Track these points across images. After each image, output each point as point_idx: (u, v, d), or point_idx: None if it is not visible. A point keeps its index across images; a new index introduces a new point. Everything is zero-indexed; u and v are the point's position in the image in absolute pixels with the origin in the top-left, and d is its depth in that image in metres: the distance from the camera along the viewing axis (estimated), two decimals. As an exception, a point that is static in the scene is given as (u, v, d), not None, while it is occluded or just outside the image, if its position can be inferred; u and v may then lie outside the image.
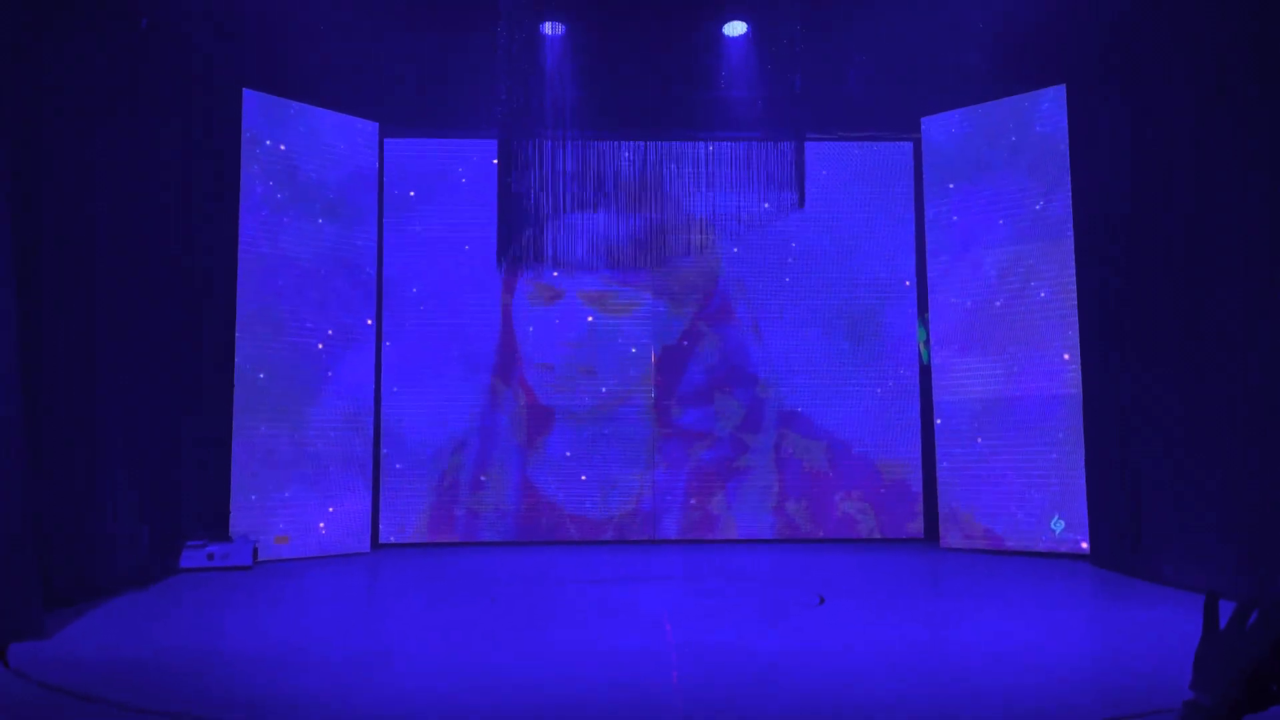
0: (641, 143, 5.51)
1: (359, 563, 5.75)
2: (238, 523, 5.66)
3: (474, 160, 6.61)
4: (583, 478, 6.11)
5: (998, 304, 6.00)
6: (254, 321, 5.84)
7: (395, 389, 6.47)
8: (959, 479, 6.09)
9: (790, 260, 6.42)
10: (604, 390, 6.26)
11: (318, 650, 3.35)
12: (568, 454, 6.19)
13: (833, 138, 6.60)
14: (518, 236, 5.20)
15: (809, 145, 5.63)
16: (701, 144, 5.65)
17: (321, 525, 5.99)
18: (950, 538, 6.10)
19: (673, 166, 5.45)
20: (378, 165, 6.47)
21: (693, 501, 6.35)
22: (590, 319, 6.23)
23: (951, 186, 6.24)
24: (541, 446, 6.29)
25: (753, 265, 6.37)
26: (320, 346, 6.07)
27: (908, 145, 6.70)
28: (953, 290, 6.21)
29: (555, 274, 6.10)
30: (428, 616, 3.96)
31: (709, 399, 6.31)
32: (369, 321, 6.31)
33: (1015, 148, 6.02)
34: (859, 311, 6.57)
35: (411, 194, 6.59)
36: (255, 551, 5.58)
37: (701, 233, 6.07)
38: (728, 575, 5.15)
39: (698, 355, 6.27)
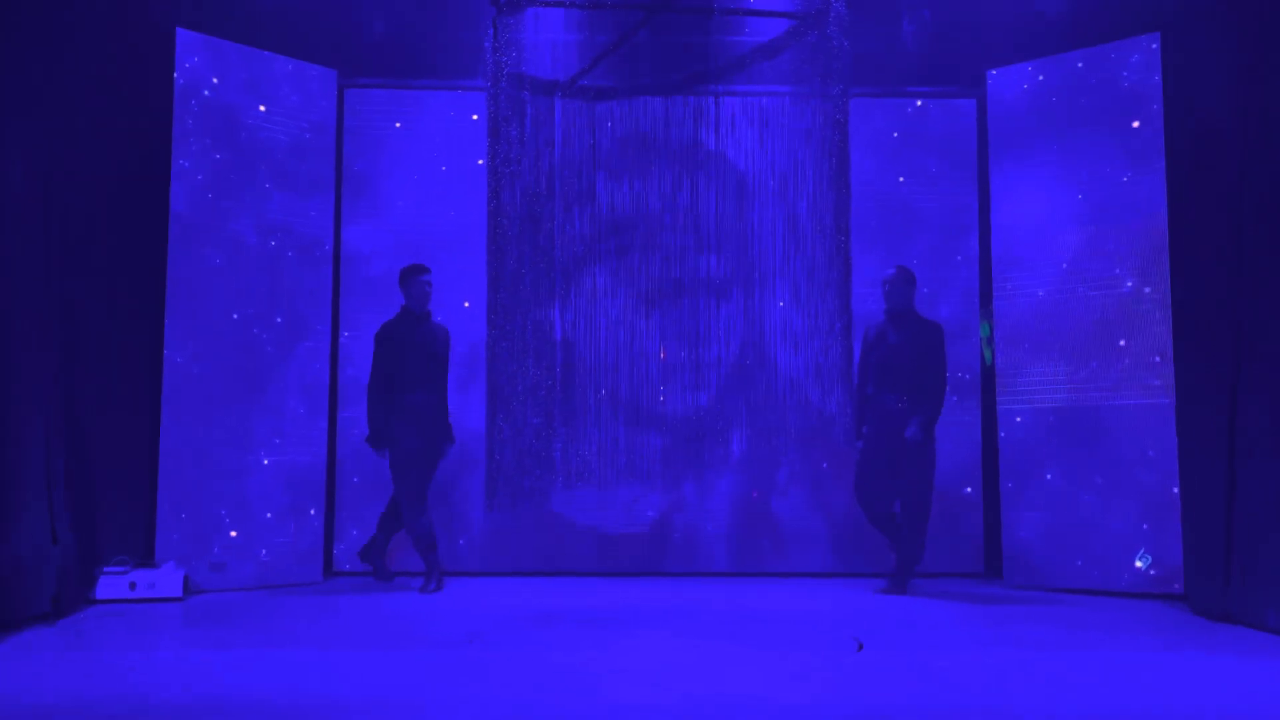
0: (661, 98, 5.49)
1: (309, 594, 5.74)
2: (165, 545, 5.66)
3: (454, 116, 6.61)
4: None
5: (1076, 294, 5.99)
6: (186, 306, 5.83)
7: (354, 388, 6.44)
8: (1026, 504, 6.07)
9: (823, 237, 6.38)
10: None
11: (260, 702, 3.35)
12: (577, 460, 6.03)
13: (880, 93, 6.60)
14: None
15: (854, 101, 5.56)
16: (736, 98, 5.61)
17: (265, 551, 6.01)
18: (1014, 573, 6.09)
19: (696, 126, 5.44)
20: (336, 121, 6.46)
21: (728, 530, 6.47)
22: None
23: (1021, 152, 6.22)
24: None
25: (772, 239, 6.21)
26: (266, 337, 6.07)
27: (969, 104, 6.70)
28: (1021, 277, 6.18)
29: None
30: (390, 664, 3.94)
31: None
32: (324, 307, 6.31)
33: (1098, 108, 6.00)
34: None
35: (377, 155, 6.57)
36: (186, 580, 5.58)
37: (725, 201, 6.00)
38: (756, 615, 5.17)
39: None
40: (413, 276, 5.88)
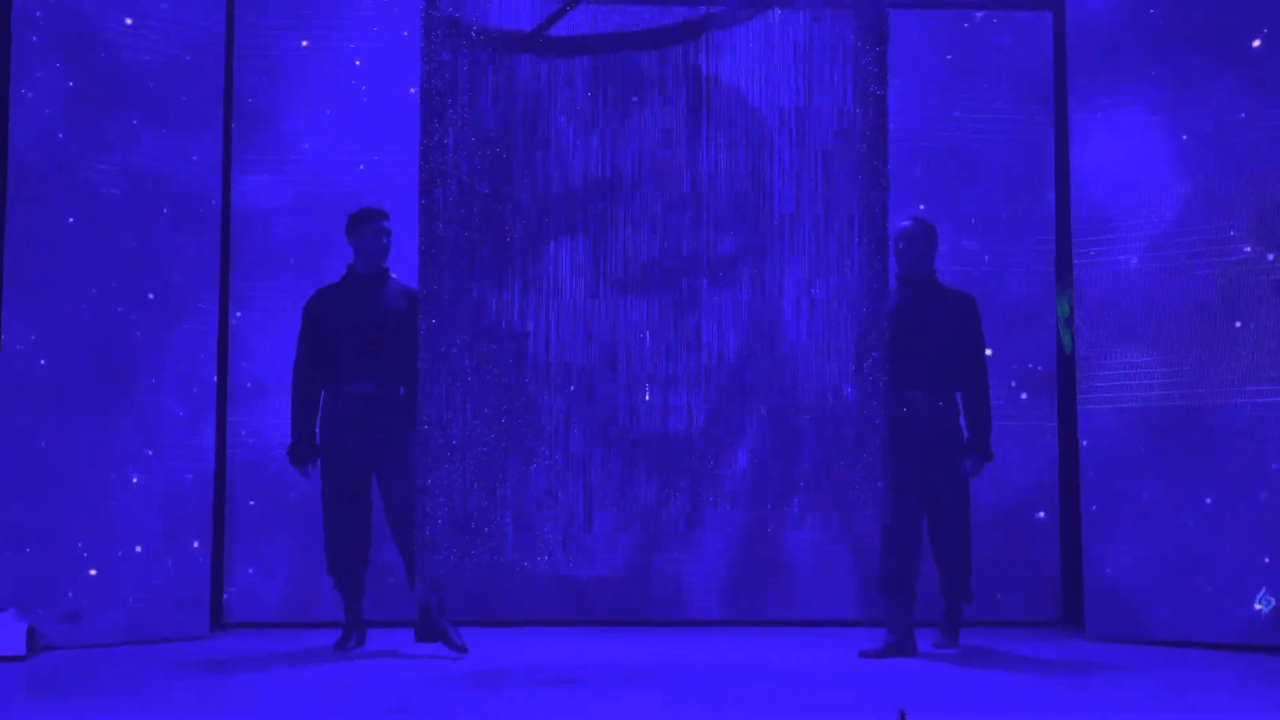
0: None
1: (192, 652, 5.68)
2: (2, 589, 5.60)
3: (377, 31, 6.58)
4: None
5: (1178, 262, 5.96)
6: (29, 279, 5.75)
7: (250, 384, 6.40)
8: (1114, 532, 6.04)
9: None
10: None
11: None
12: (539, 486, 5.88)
13: (927, 3, 6.61)
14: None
15: (892, 14, 5.41)
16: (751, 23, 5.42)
17: (134, 595, 5.94)
18: (1100, 621, 6.06)
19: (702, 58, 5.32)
20: (225, 38, 6.39)
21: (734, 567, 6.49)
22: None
23: (1110, 80, 6.17)
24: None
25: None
26: (135, 319, 6.00)
27: (1043, 17, 6.69)
28: (1111, 243, 6.15)
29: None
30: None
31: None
32: (210, 278, 6.26)
33: (1208, 28, 5.94)
34: (966, 272, 6.54)
35: (278, 83, 6.51)
36: (32, 634, 5.51)
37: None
38: (766, 674, 5.15)
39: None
40: (363, 224, 5.65)
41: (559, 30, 5.09)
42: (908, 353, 5.44)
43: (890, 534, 5.51)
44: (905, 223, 5.71)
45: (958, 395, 5.67)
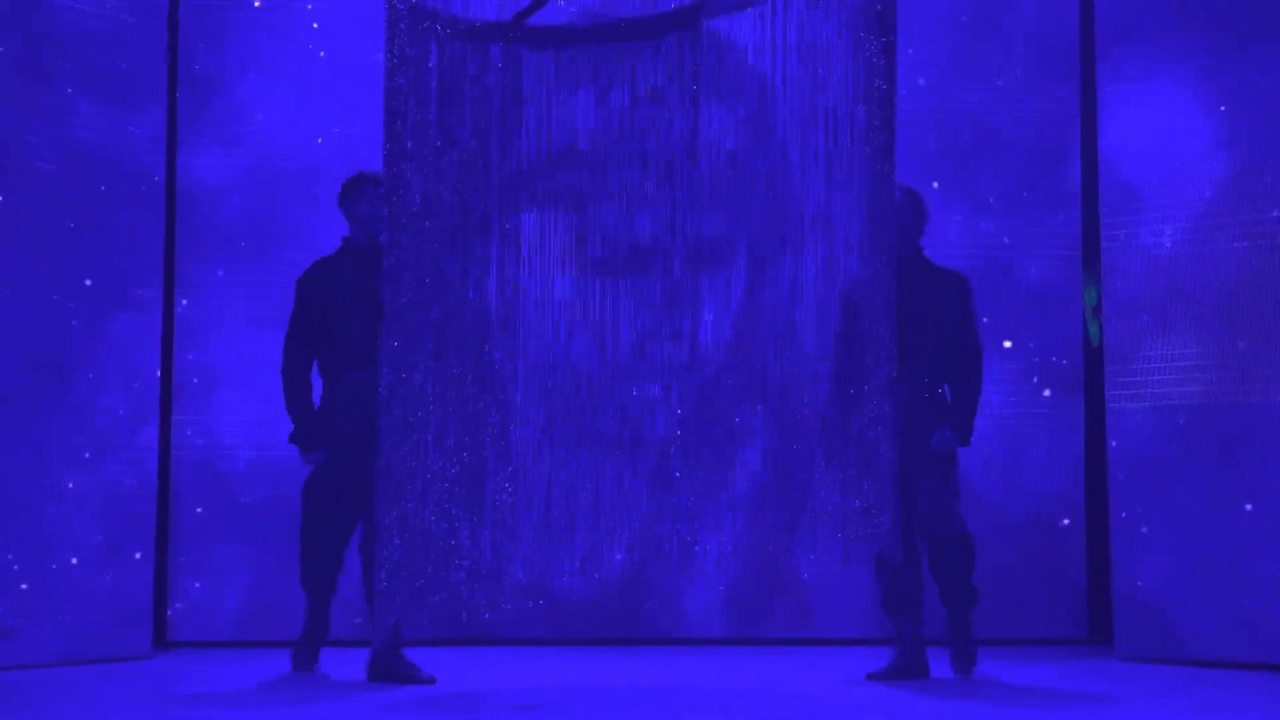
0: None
1: (133, 674, 5.53)
2: (-77, 605, 5.49)
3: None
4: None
5: (1217, 245, 5.78)
6: (-49, 263, 5.61)
7: (197, 379, 6.30)
8: (1147, 541, 5.89)
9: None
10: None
11: None
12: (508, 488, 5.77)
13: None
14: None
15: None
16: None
17: (70, 611, 5.78)
18: (1131, 639, 5.90)
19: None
20: (170, 4, 6.29)
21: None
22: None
23: (1144, 47, 6.03)
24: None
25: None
26: (71, 307, 5.88)
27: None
28: (1143, 223, 5.99)
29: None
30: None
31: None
32: (153, 262, 6.12)
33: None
34: (978, 256, 6.38)
35: (229, 47, 6.41)
36: (-46, 655, 5.36)
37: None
38: (775, 699, 4.97)
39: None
40: (359, 190, 5.36)
41: (542, 18, 5.00)
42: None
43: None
44: None
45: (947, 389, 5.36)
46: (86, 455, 5.81)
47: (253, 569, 6.26)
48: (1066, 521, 6.36)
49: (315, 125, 6.36)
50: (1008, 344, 5.90)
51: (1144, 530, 5.88)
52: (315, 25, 6.41)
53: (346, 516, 5.26)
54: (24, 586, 5.60)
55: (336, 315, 5.25)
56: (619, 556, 5.85)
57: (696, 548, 5.95)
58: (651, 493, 5.50)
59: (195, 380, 6.28)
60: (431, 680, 5.12)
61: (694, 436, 5.46)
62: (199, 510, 6.23)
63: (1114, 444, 5.99)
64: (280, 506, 6.04)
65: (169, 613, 6.19)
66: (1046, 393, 6.38)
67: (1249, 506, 5.63)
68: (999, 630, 6.03)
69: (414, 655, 5.39)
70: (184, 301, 6.31)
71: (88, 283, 5.85)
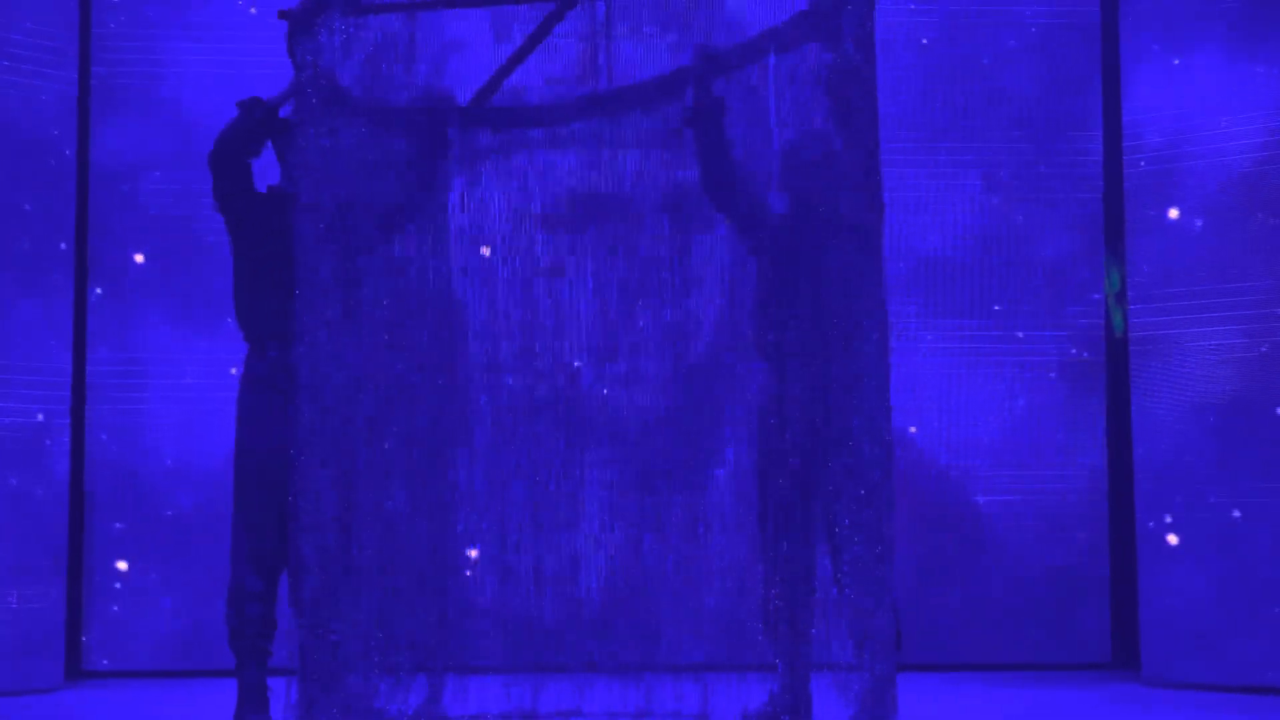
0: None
1: (40, 709, 5.38)
2: None
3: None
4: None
5: (1256, 222, 5.74)
6: None
7: (114, 377, 6.18)
8: (1176, 551, 5.83)
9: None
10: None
11: None
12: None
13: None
14: None
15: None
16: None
17: None
18: (1160, 662, 5.83)
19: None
20: None
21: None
22: (485, 251, 5.74)
23: (1175, 5, 5.97)
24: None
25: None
26: None
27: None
28: (1171, 198, 5.93)
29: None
30: None
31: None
32: (63, 246, 6.00)
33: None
34: (992, 238, 6.33)
35: (147, 10, 6.24)
36: None
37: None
38: None
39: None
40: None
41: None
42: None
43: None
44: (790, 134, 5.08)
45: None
46: (-14, 460, 5.80)
47: (177, 589, 6.11)
48: (1087, 533, 6.32)
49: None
50: (1020, 335, 5.93)
51: (1176, 539, 5.85)
52: (247, -23, 6.32)
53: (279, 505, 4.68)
54: (-85, 611, 5.57)
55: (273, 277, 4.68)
56: (588, 566, 5.73)
57: (680, 552, 5.85)
58: (626, 488, 5.49)
59: (112, 378, 6.15)
60: None
61: (670, 432, 5.39)
62: (117, 525, 6.11)
63: (1140, 447, 5.95)
64: (209, 519, 6.01)
65: (83, 639, 6.07)
66: (1065, 389, 6.32)
67: (1283, 509, 5.71)
68: (1010, 654, 6.12)
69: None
70: (98, 290, 6.16)
71: (-13, 266, 5.87)
